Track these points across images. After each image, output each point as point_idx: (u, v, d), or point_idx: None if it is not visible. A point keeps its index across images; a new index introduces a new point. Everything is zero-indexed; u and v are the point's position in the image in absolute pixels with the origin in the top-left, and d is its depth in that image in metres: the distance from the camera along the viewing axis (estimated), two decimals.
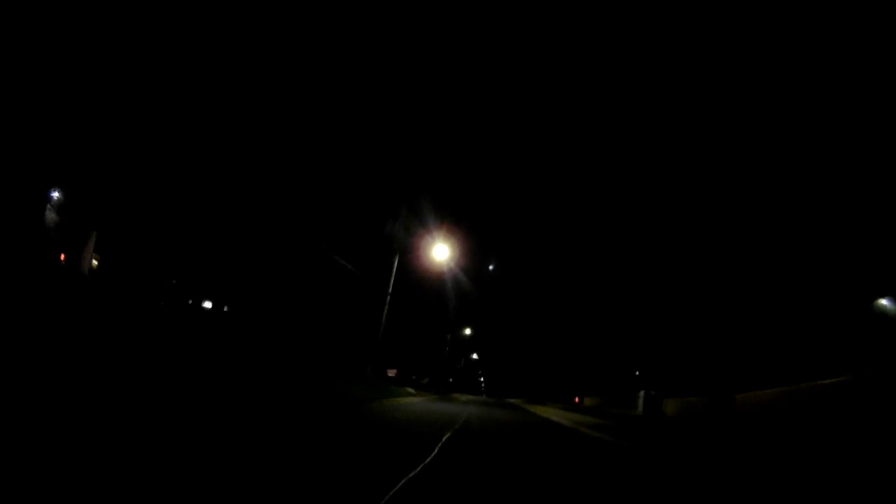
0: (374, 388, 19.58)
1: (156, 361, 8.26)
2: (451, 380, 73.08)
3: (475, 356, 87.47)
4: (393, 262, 23.84)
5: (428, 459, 5.22)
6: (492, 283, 52.52)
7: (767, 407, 11.94)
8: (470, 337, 68.16)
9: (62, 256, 23.94)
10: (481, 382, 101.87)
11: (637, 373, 27.78)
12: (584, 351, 36.85)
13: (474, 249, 37.07)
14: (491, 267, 56.55)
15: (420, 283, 38.76)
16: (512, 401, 50.84)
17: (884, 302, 16.56)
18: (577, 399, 43.67)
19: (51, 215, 24.28)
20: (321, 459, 4.55)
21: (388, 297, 23.26)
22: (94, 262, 25.82)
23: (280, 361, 18.27)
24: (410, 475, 4.32)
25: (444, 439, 7.16)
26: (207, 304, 41.31)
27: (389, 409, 13.65)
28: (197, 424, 5.14)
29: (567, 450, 8.62)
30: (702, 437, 12.31)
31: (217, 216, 28.15)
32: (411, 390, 23.73)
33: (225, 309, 38.82)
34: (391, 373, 29.13)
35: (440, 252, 24.14)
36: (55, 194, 24.52)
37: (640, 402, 18.18)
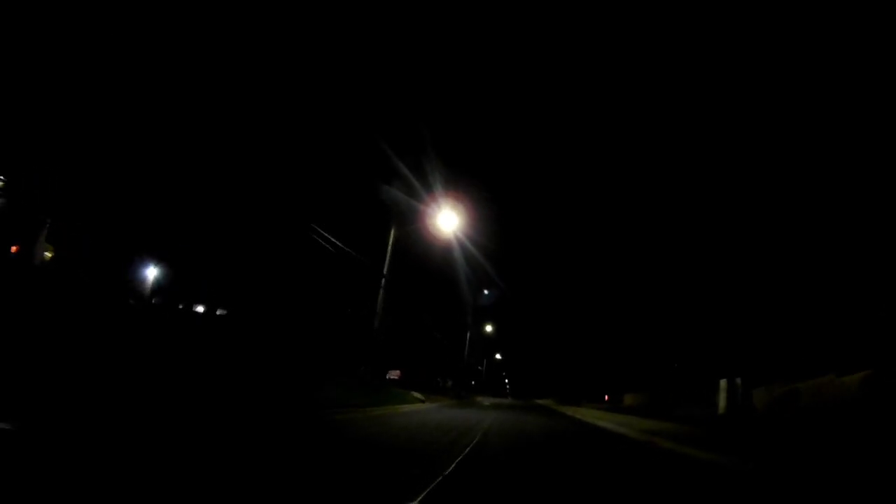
0: (367, 393, 15.29)
1: (102, 364, 7.13)
2: (473, 382, 68.35)
3: (498, 356, 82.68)
4: (389, 238, 19.36)
5: None
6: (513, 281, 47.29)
7: None
8: (492, 336, 63.47)
9: (14, 248, 20.49)
10: (506, 384, 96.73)
11: (680, 363, 22.64)
12: (620, 340, 31.58)
13: (493, 230, 32.09)
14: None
15: (435, 275, 34.21)
16: (540, 402, 45.91)
17: None
18: (606, 397, 38.68)
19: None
20: None
21: (384, 281, 18.77)
22: (47, 255, 22.07)
23: (258, 363, 14.67)
24: None
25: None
26: (199, 308, 37.58)
27: (376, 422, 9.44)
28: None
29: None
30: None
31: (191, 196, 24.05)
32: (418, 395, 19.21)
33: (218, 312, 34.94)
34: (393, 375, 24.62)
35: (446, 221, 19.51)
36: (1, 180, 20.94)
37: (722, 395, 13.25)
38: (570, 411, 21.38)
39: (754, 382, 13.57)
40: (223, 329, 21.84)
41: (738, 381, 12.96)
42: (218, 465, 3.84)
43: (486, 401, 39.61)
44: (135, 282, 32.54)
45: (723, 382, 13.48)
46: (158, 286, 35.17)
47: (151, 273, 35.21)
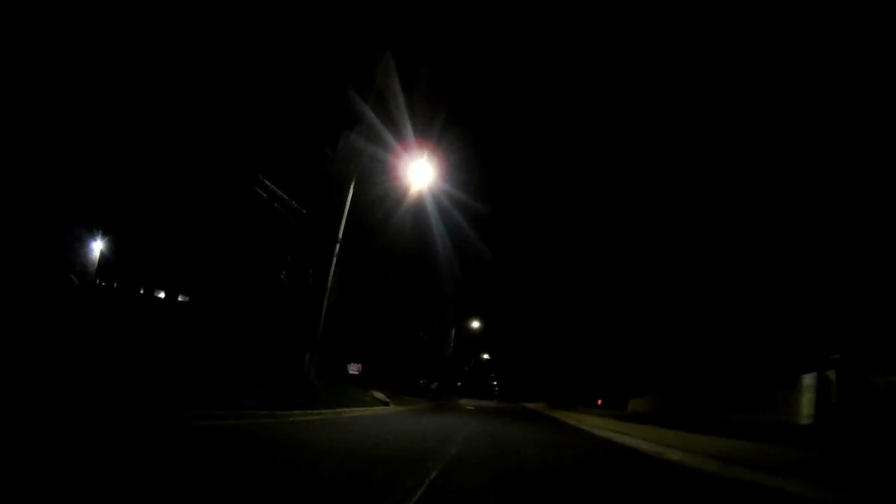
0: (304, 390, 11.18)
1: None
2: (459, 383, 63.96)
3: (486, 356, 78.45)
4: (347, 195, 15.14)
5: None
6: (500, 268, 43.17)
7: None
8: (479, 332, 59.14)
9: None
10: (494, 385, 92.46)
11: (717, 356, 18.46)
12: (626, 330, 27.44)
13: (483, 205, 27.70)
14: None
15: (417, 262, 29.96)
16: (531, 406, 41.90)
17: None
18: (599, 401, 34.85)
19: None
20: None
21: (339, 246, 14.56)
22: None
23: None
24: None
25: None
26: (161, 294, 33.48)
27: (287, 435, 5.36)
28: None
29: None
30: None
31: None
32: (380, 395, 15.05)
33: (179, 298, 30.59)
34: (354, 369, 20.57)
35: (419, 172, 15.26)
36: None
37: (806, 395, 9.28)
38: (572, 419, 17.30)
39: (845, 376, 9.59)
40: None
41: (832, 375, 8.99)
42: None
43: (471, 404, 35.45)
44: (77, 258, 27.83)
45: (807, 378, 9.51)
46: (106, 263, 30.49)
47: (97, 248, 30.40)
